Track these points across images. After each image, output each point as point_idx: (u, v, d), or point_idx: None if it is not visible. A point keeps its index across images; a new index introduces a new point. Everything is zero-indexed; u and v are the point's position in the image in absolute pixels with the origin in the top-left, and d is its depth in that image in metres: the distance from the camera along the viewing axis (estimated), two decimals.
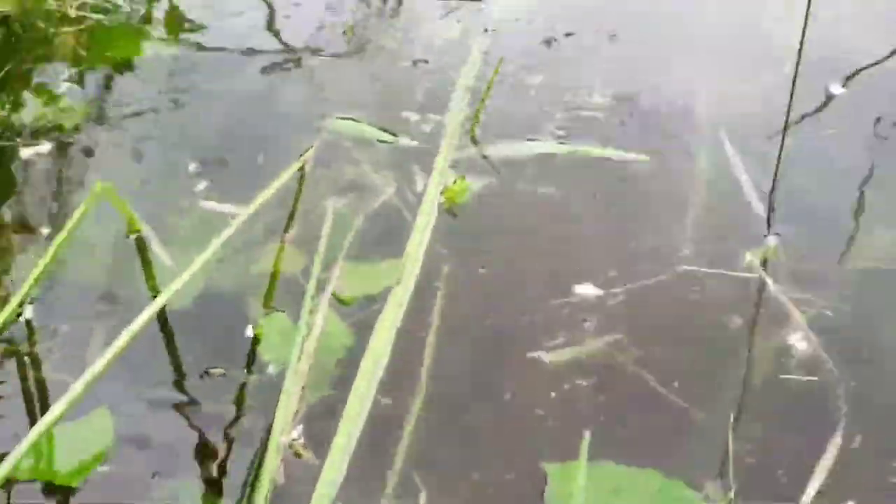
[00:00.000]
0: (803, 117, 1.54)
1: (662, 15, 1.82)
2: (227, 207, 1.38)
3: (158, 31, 1.83)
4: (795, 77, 1.40)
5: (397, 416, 1.12)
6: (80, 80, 1.68)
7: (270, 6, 1.87)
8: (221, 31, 1.82)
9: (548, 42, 1.71)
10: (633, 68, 1.67)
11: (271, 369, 1.18)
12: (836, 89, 1.61)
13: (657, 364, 1.17)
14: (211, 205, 1.40)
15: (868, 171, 1.47)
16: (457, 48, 1.71)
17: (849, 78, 1.64)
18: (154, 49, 1.77)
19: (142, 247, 1.35)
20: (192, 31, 1.82)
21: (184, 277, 1.20)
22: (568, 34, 1.75)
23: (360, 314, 1.24)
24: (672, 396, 1.13)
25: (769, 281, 1.27)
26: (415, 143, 1.52)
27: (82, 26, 1.80)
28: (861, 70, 1.65)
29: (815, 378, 1.15)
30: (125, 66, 1.73)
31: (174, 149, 1.54)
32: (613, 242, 1.35)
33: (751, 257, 1.30)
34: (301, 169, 1.46)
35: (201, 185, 1.45)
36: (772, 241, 1.32)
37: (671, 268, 1.29)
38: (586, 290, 1.27)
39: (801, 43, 1.35)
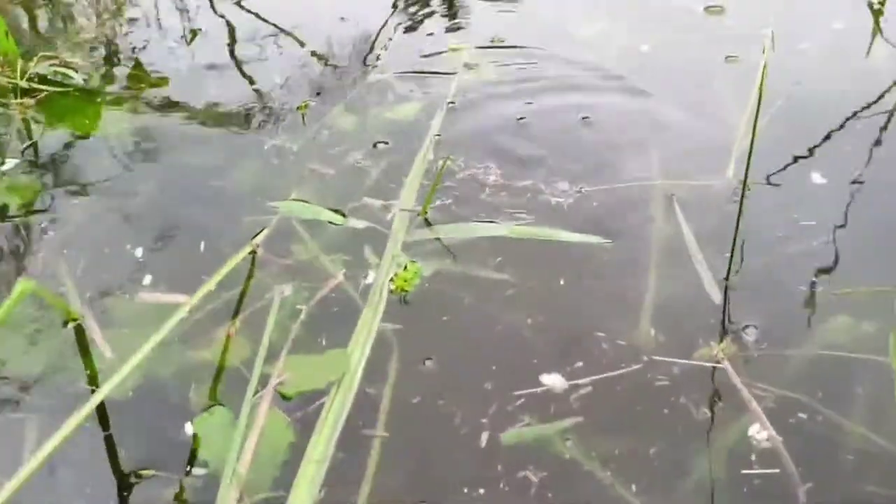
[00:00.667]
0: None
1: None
2: (170, 297, 1.34)
3: (115, 100, 1.80)
4: (750, 155, 1.39)
5: None
6: (33, 154, 1.65)
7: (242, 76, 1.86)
8: (181, 102, 1.80)
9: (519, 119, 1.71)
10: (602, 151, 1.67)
11: (209, 468, 1.14)
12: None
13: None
14: (154, 296, 1.36)
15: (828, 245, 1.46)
16: (417, 127, 1.70)
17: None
18: (110, 120, 1.75)
19: (80, 336, 1.31)
20: (153, 102, 1.79)
21: (122, 372, 1.16)
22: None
23: (305, 409, 1.20)
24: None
25: (728, 370, 1.24)
26: (365, 224, 1.49)
27: (35, 99, 1.77)
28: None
29: (776, 470, 1.12)
30: (78, 139, 1.70)
31: (123, 230, 1.50)
32: (570, 331, 1.32)
33: (707, 348, 1.28)
34: (252, 252, 1.43)
35: (147, 271, 1.41)
36: (730, 335, 1.30)
37: (631, 358, 1.26)
38: (545, 380, 1.24)
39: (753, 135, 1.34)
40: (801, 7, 2.07)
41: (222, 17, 2.03)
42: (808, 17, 2.03)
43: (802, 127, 1.71)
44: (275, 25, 2.00)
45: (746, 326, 1.31)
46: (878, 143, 1.69)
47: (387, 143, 1.66)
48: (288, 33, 1.96)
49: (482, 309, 1.35)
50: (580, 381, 1.23)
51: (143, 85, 1.83)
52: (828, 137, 1.69)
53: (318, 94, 1.77)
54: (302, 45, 1.93)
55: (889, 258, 1.42)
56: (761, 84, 1.30)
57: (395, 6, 2.07)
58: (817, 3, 2.08)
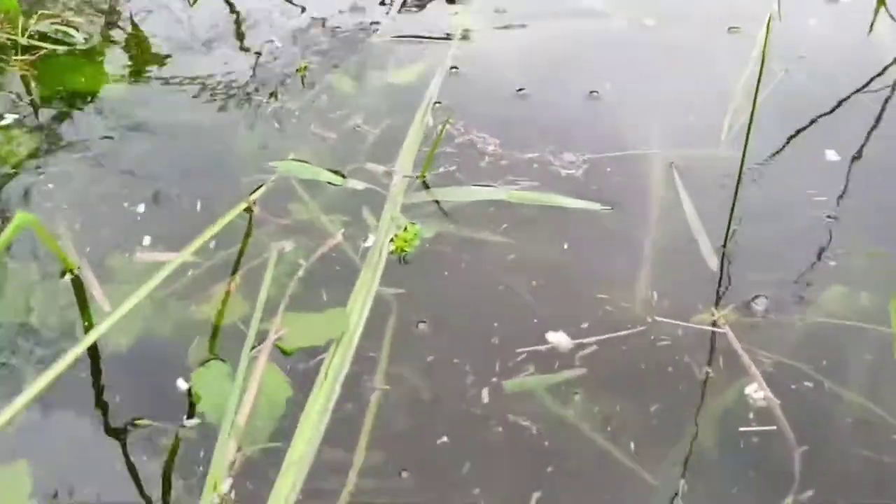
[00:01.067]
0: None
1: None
2: (167, 256, 1.33)
3: (116, 60, 1.79)
4: (750, 125, 1.39)
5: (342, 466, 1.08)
6: (32, 111, 1.65)
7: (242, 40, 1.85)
8: (183, 64, 1.79)
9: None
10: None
11: (207, 419, 1.14)
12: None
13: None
14: (152, 255, 1.35)
15: (826, 217, 1.47)
16: (416, 92, 1.69)
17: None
18: (109, 80, 1.74)
19: (79, 287, 1.31)
20: (154, 63, 1.78)
21: (115, 316, 1.16)
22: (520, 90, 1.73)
23: (305, 364, 1.21)
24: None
25: (728, 334, 1.25)
26: (364, 185, 1.49)
27: (35, 56, 1.76)
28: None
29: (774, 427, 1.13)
30: (78, 98, 1.69)
31: (120, 189, 1.49)
32: (567, 294, 1.32)
33: (707, 314, 1.29)
34: (249, 210, 1.43)
35: (145, 230, 1.41)
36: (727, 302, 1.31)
37: (629, 321, 1.27)
38: (550, 337, 1.25)
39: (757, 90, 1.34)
40: None
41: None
42: None
43: (804, 101, 1.71)
44: None
45: (750, 295, 1.32)
46: (879, 118, 1.69)
47: (387, 106, 1.65)
48: None
49: (482, 270, 1.35)
50: (583, 341, 1.24)
51: (143, 47, 1.82)
52: (830, 112, 1.69)
53: (320, 55, 1.76)
54: (303, 9, 1.91)
55: (889, 230, 1.43)
56: (764, 53, 1.30)
57: None
58: None
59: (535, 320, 1.27)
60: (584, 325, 1.26)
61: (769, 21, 1.28)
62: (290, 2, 1.97)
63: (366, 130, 1.60)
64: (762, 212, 1.46)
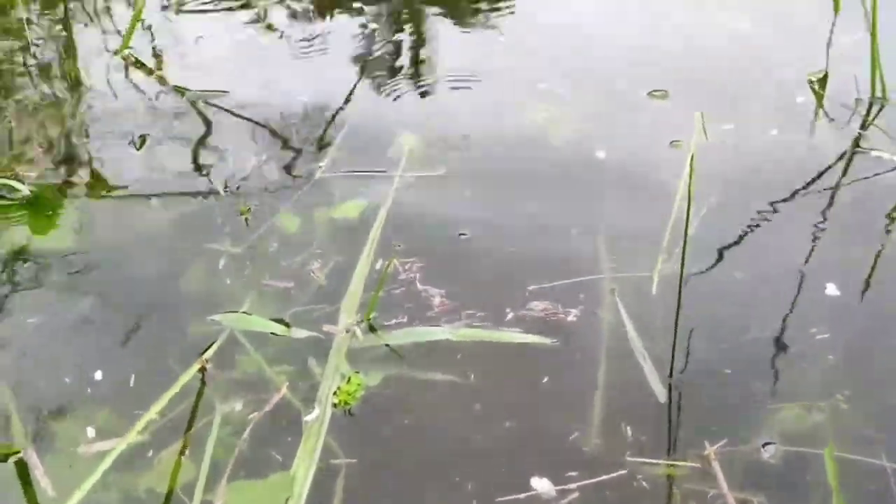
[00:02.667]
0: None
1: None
2: (110, 444, 1.32)
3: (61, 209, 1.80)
4: (685, 247, 1.40)
5: None
6: None
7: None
8: (129, 210, 1.81)
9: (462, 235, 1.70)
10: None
11: None
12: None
13: None
14: (97, 446, 1.34)
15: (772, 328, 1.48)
16: (361, 228, 1.70)
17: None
18: (55, 230, 1.75)
19: (22, 471, 1.29)
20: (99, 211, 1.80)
21: None
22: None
23: None
24: None
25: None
26: (307, 334, 1.49)
27: None
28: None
29: None
30: (24, 252, 1.69)
31: (67, 349, 1.49)
32: (534, 436, 1.32)
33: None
34: (202, 370, 1.43)
35: (90, 404, 1.40)
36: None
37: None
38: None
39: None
40: (743, 91, 2.10)
41: (182, 118, 2.03)
42: (749, 100, 2.06)
43: (744, 209, 1.74)
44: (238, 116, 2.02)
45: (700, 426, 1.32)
46: (821, 224, 1.72)
47: (330, 245, 1.66)
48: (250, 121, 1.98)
49: (434, 415, 1.35)
50: (565, 487, 1.23)
51: (89, 192, 1.83)
52: (766, 219, 1.72)
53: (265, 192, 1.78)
54: (255, 143, 1.93)
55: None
56: (690, 179, 1.32)
57: (347, 100, 2.09)
58: (760, 86, 2.11)
59: (503, 468, 1.27)
60: (561, 470, 1.25)
61: (692, 162, 1.30)
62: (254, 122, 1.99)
63: (311, 273, 1.61)
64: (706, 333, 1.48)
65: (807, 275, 1.59)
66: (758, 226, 1.72)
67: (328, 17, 2.49)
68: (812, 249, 1.66)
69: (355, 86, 2.16)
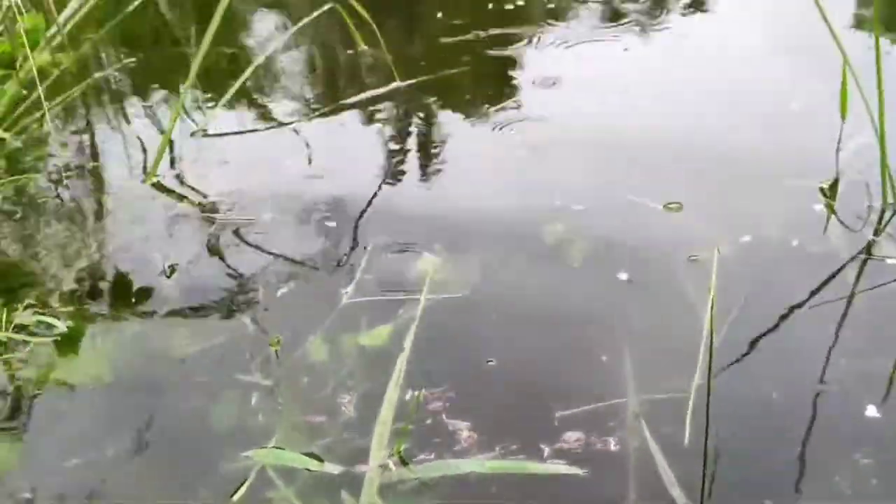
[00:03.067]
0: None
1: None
2: None
3: (96, 346, 1.85)
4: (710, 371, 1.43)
5: None
6: (10, 413, 1.68)
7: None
8: (161, 329, 1.85)
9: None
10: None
11: None
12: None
13: None
14: None
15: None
16: (389, 355, 1.73)
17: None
18: (88, 366, 1.79)
19: None
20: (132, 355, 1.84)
21: None
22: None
23: None
24: None
25: None
26: (340, 469, 1.51)
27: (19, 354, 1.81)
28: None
29: None
30: (58, 390, 1.73)
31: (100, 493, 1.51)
32: None
33: None
34: None
35: None
36: None
37: None
38: None
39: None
40: (756, 200, 2.15)
41: (212, 246, 2.09)
42: (763, 209, 2.11)
43: (766, 321, 1.77)
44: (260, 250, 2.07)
45: None
46: (843, 334, 1.74)
47: (359, 374, 1.69)
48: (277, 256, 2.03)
49: None
50: None
51: (120, 324, 1.88)
52: (789, 332, 1.75)
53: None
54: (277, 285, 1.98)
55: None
56: (711, 315, 1.35)
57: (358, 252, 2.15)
58: (772, 194, 2.16)
59: None
60: None
61: (713, 296, 1.33)
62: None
63: (340, 404, 1.63)
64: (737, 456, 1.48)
65: (838, 392, 1.60)
66: (781, 339, 1.74)
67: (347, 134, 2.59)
68: (840, 362, 1.67)
69: (371, 201, 2.22)
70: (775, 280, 1.89)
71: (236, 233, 2.14)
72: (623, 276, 1.91)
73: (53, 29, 2.94)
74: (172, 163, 2.48)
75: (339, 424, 1.60)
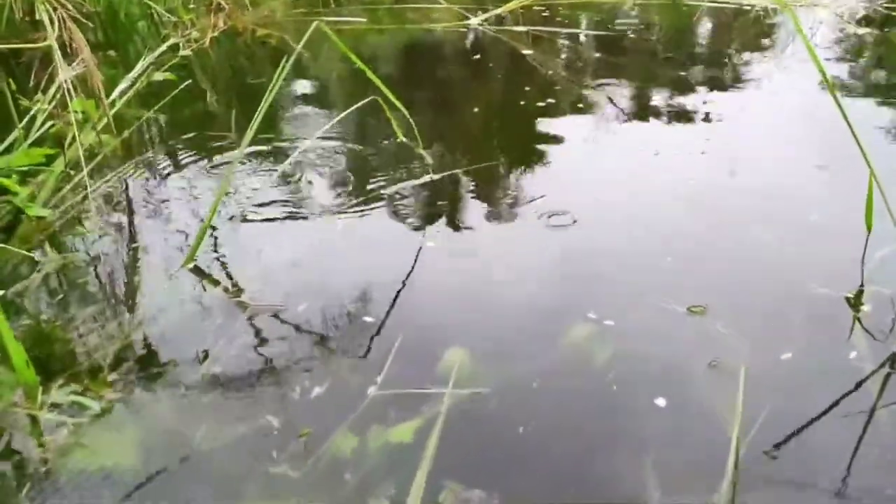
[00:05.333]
0: None
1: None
2: None
3: (130, 427, 1.88)
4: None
5: None
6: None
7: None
8: (190, 415, 1.88)
9: None
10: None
11: None
12: None
13: None
14: None
15: None
16: (415, 450, 1.75)
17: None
18: (121, 450, 1.82)
19: None
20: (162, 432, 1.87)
21: None
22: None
23: None
24: None
25: None
26: None
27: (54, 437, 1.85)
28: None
29: None
30: (92, 472, 1.76)
31: None
32: None
33: None
34: None
35: None
36: None
37: None
38: None
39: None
40: (781, 306, 2.17)
41: (244, 334, 2.14)
42: (789, 316, 2.13)
43: (788, 431, 1.78)
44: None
45: None
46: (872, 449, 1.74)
47: (386, 469, 1.71)
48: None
49: None
50: None
51: (152, 409, 1.92)
52: (814, 446, 1.75)
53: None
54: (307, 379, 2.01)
55: None
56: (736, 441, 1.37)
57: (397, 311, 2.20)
58: (796, 302, 2.19)
59: None
60: None
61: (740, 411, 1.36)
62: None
63: (366, 497, 1.65)
64: None
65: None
66: (803, 449, 1.74)
67: (381, 225, 2.66)
68: (861, 475, 1.67)
69: (400, 293, 2.28)
70: (798, 390, 1.90)
71: (269, 320, 2.19)
72: (651, 399, 1.92)
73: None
74: (212, 247, 2.55)
75: None
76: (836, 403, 1.85)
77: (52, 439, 1.83)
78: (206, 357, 2.06)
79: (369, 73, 2.90)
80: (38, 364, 1.96)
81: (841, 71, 4.14)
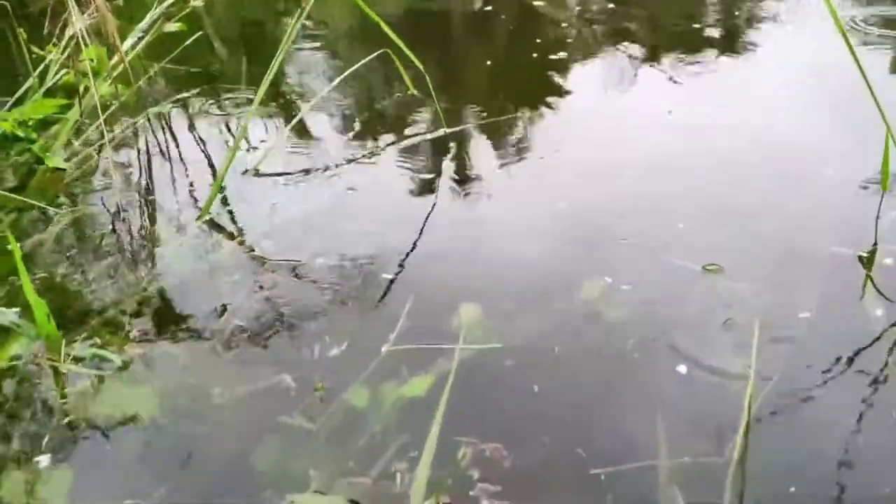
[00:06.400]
0: None
1: None
2: None
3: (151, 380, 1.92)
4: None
5: None
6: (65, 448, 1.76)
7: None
8: (206, 368, 1.92)
9: None
10: None
11: None
12: None
13: None
14: None
15: None
16: (429, 404, 1.78)
17: None
18: (141, 400, 1.86)
19: None
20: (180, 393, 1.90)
21: None
22: None
23: None
24: None
25: None
26: None
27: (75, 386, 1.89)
28: None
29: None
30: (109, 425, 1.80)
31: None
32: None
33: None
34: None
35: None
36: None
37: None
38: None
39: None
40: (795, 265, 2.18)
41: (261, 287, 2.16)
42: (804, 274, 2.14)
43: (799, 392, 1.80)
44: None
45: None
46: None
47: (399, 423, 1.75)
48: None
49: None
50: None
51: (172, 362, 1.95)
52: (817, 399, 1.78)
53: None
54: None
55: None
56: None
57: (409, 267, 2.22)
58: (813, 260, 2.19)
59: None
60: None
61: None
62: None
63: (380, 444, 1.69)
64: None
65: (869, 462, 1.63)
66: (816, 407, 1.77)
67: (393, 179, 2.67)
68: (872, 433, 1.69)
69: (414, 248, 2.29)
70: (811, 345, 1.92)
71: (284, 274, 2.21)
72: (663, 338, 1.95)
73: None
74: (225, 201, 2.56)
75: (378, 470, 1.65)
76: (850, 361, 1.87)
77: (74, 390, 1.86)
78: (224, 310, 2.08)
79: (383, 25, 2.87)
80: (58, 317, 1.98)
81: (862, 20, 4.07)
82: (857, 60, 2.23)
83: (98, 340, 2.00)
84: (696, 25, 4.18)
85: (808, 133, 2.88)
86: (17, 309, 2.02)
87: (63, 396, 1.85)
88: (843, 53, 2.29)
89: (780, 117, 3.02)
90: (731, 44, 3.91)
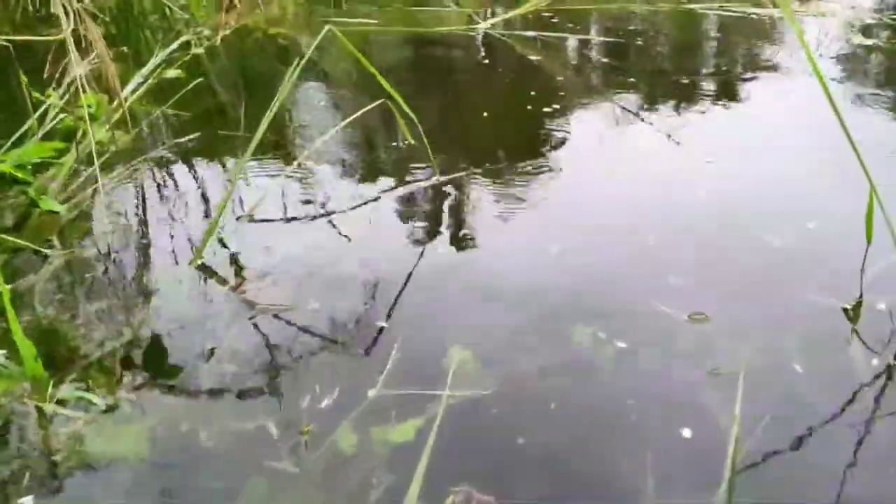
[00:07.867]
0: None
1: None
2: None
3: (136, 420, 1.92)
4: None
5: None
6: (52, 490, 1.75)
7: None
8: (196, 408, 1.92)
9: None
10: None
11: None
12: None
13: None
14: None
15: None
16: (415, 450, 1.78)
17: None
18: (126, 442, 1.85)
19: None
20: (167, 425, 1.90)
21: None
22: None
23: None
24: None
25: None
26: None
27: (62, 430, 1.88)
28: None
29: None
30: (93, 466, 1.80)
31: None
32: None
33: None
34: None
35: None
36: None
37: None
38: None
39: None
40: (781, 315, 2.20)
41: (251, 331, 2.17)
42: (787, 325, 2.16)
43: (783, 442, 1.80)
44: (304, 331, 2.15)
45: None
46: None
47: (386, 467, 1.74)
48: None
49: None
50: None
51: (156, 404, 1.95)
52: (813, 455, 1.77)
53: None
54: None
55: None
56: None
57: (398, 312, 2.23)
58: (794, 311, 2.21)
59: None
60: None
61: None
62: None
63: (368, 494, 1.68)
64: None
65: None
66: (800, 457, 1.77)
67: (387, 225, 2.69)
68: (856, 483, 1.69)
69: (402, 293, 2.31)
70: (798, 397, 1.92)
71: (275, 318, 2.22)
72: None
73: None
74: (220, 245, 2.58)
75: None
76: (836, 414, 1.88)
77: (59, 432, 1.86)
78: (211, 354, 2.09)
79: (381, 79, 2.92)
80: (47, 359, 1.99)
81: (846, 83, 4.15)
82: (842, 123, 2.27)
83: (86, 383, 1.99)
84: (689, 81, 4.25)
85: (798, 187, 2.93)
86: (4, 350, 2.02)
87: (47, 438, 1.85)
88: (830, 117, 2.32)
89: (769, 169, 3.07)
90: (724, 94, 3.98)
